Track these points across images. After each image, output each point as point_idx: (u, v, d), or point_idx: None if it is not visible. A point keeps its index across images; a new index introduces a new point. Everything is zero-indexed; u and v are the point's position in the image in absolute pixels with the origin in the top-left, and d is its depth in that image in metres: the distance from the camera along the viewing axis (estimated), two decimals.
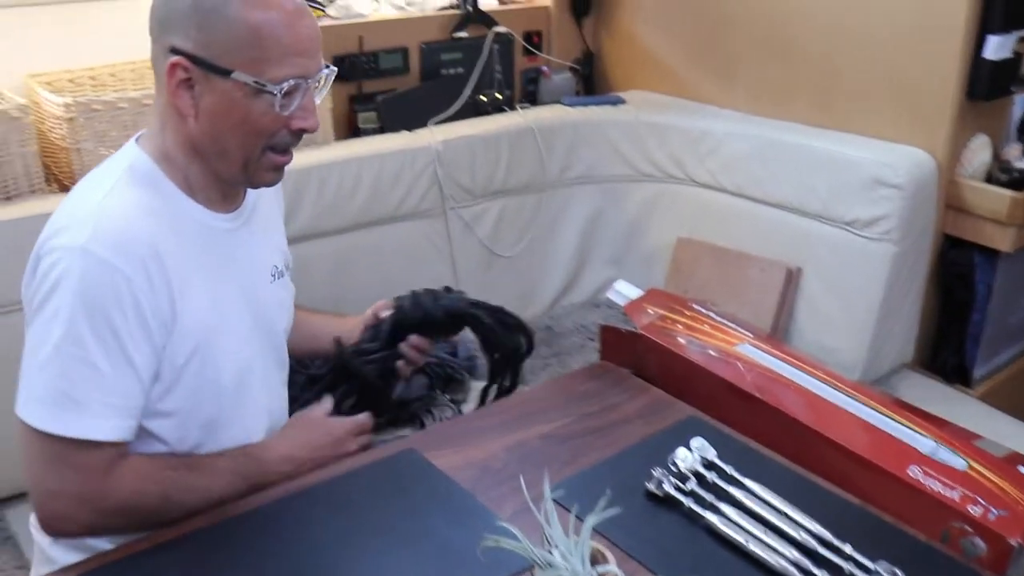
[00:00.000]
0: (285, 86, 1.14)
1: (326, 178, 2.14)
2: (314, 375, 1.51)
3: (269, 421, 1.35)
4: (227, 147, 1.19)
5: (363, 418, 1.39)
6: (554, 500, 1.21)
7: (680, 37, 2.63)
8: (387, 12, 2.56)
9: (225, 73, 1.13)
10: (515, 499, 1.18)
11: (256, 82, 1.13)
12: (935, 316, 2.33)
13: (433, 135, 2.33)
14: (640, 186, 2.54)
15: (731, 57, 2.50)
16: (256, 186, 1.25)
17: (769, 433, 1.75)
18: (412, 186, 2.27)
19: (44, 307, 1.11)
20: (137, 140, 1.24)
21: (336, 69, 1.27)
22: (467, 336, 2.29)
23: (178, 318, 1.17)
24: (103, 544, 1.23)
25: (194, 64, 1.14)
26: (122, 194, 1.17)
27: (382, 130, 2.38)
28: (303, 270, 2.11)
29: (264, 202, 1.37)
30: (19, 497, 1.74)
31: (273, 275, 1.35)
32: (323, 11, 2.44)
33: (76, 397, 1.10)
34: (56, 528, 1.17)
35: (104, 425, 1.12)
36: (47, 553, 1.30)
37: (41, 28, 2.11)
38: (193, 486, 1.19)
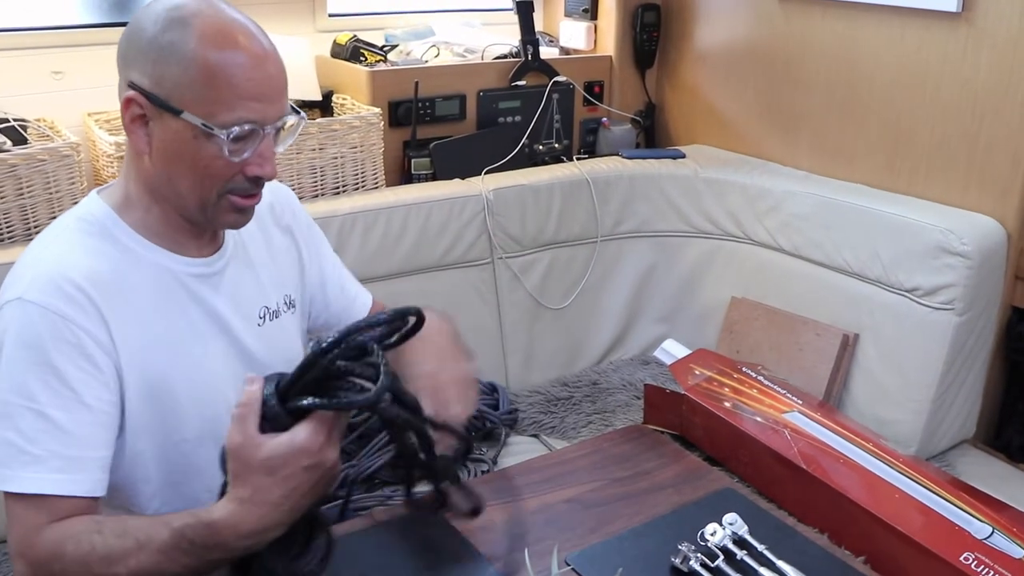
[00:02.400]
0: (235, 131, 1.10)
1: (373, 223, 2.13)
2: (351, 423, 1.46)
3: None
4: (180, 189, 1.15)
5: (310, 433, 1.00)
6: (573, 570, 1.17)
7: (744, 92, 2.59)
8: (446, 59, 2.57)
9: (176, 112, 1.10)
10: (535, 565, 1.13)
11: (204, 125, 1.09)
12: (999, 391, 2.23)
13: (484, 183, 2.32)
14: (695, 242, 2.49)
15: (795, 114, 2.45)
16: (220, 228, 1.22)
17: (813, 507, 1.68)
18: (460, 234, 2.26)
19: None
20: (100, 191, 1.22)
21: (305, 116, 1.23)
22: (503, 387, 2.27)
23: (119, 353, 1.12)
24: None
25: (148, 100, 1.11)
26: (64, 242, 1.14)
27: (435, 176, 2.38)
28: None
29: (260, 239, 1.34)
30: None
31: (263, 316, 1.30)
32: (384, 57, 2.45)
33: (31, 451, 1.06)
34: None
35: (57, 478, 1.06)
36: None
37: (104, 68, 2.14)
38: (116, 556, 1.01)
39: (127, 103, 1.12)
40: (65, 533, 1.04)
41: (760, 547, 1.21)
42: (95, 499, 1.10)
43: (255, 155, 1.14)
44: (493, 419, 2.07)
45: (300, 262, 1.41)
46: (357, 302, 1.50)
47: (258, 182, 1.17)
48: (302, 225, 1.42)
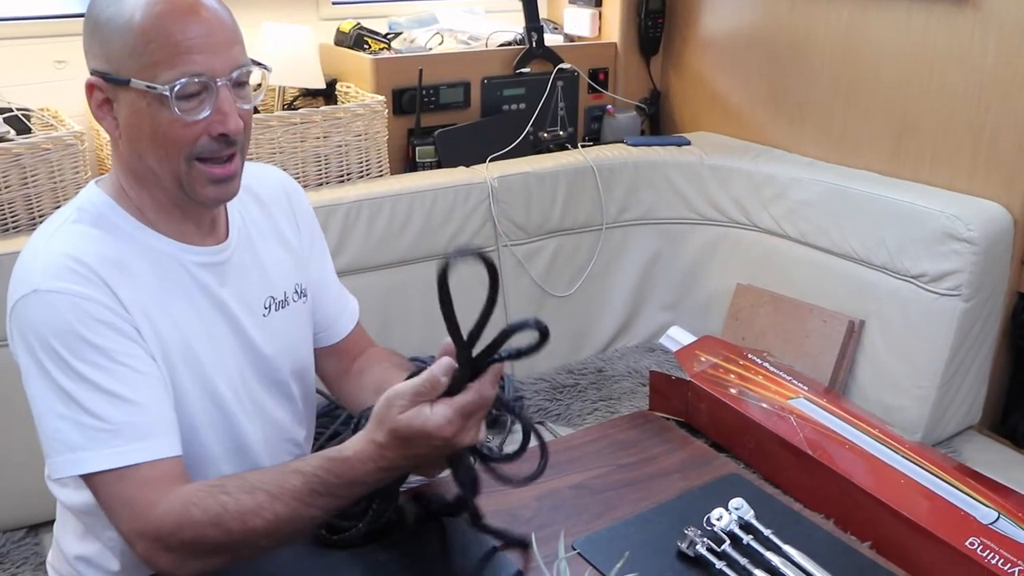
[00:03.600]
0: (179, 85, 1.07)
1: (378, 211, 2.13)
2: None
3: (270, 463, 1.28)
4: (151, 165, 1.13)
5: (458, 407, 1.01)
6: (579, 554, 1.17)
7: (750, 79, 2.58)
8: (450, 47, 2.56)
9: (125, 83, 1.08)
10: (542, 550, 1.13)
11: (148, 86, 1.07)
12: (1006, 377, 2.22)
13: (489, 171, 2.31)
14: (701, 230, 2.49)
15: (801, 101, 2.44)
16: (203, 204, 1.18)
17: (819, 492, 1.68)
18: (465, 222, 2.26)
19: (30, 367, 1.08)
20: (97, 182, 1.21)
21: (271, 68, 1.21)
22: (509, 375, 2.27)
23: (138, 326, 1.12)
24: None
25: (105, 80, 1.10)
26: (66, 232, 1.13)
27: (439, 164, 2.37)
28: None
29: (267, 229, 1.33)
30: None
31: (268, 307, 1.29)
32: (387, 45, 2.44)
33: (105, 428, 1.06)
34: (165, 573, 1.07)
35: (139, 446, 1.07)
36: None
37: None
38: (251, 511, 1.02)
39: (90, 89, 1.12)
40: (186, 499, 1.04)
41: (766, 532, 1.21)
42: (180, 459, 1.10)
43: (214, 112, 1.10)
44: (510, 407, 2.05)
45: (310, 253, 1.40)
46: (344, 315, 1.46)
47: (226, 141, 1.13)
48: (310, 219, 1.41)
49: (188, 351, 1.17)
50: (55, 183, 1.85)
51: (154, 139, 1.10)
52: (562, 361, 2.41)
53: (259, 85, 1.23)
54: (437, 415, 0.98)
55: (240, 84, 1.14)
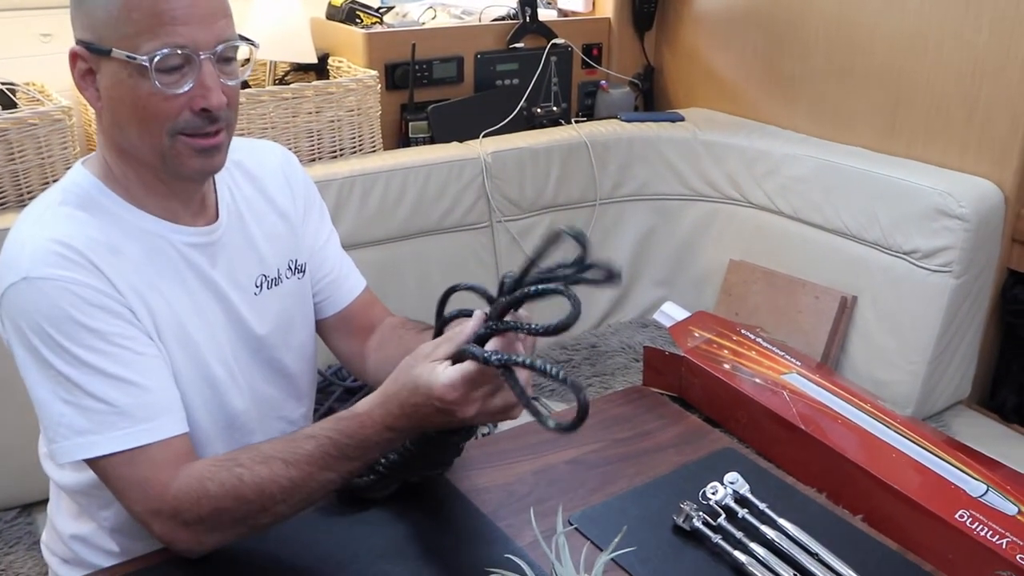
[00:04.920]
0: (159, 56, 1.04)
1: (371, 187, 2.12)
2: (351, 387, 1.45)
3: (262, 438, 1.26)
4: (132, 138, 1.11)
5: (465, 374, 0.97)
6: (576, 529, 1.18)
7: (743, 55, 2.57)
8: (443, 21, 2.55)
9: (107, 52, 1.06)
10: (540, 525, 1.13)
11: (129, 56, 1.04)
12: (995, 353, 2.24)
13: (483, 146, 2.30)
14: (694, 205, 2.49)
15: (795, 77, 2.44)
16: (187, 177, 1.15)
17: (812, 467, 1.70)
18: (459, 197, 2.25)
19: (26, 356, 1.07)
20: (84, 162, 1.19)
21: (258, 43, 1.18)
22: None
23: (132, 307, 1.11)
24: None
25: (87, 50, 1.08)
26: (53, 216, 1.11)
27: (432, 140, 2.37)
28: None
29: (261, 205, 1.30)
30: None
31: (259, 285, 1.28)
32: (380, 19, 2.43)
33: (112, 411, 1.05)
34: (181, 550, 1.07)
35: (148, 427, 1.06)
36: (56, 572, 1.30)
37: None
38: (267, 480, 1.02)
39: (73, 59, 1.09)
40: (199, 475, 1.04)
41: (761, 505, 1.22)
42: (187, 435, 1.10)
43: (197, 86, 1.07)
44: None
45: (305, 220, 1.37)
46: (348, 281, 1.44)
47: (209, 116, 1.09)
48: (305, 186, 1.39)
49: (181, 330, 1.16)
50: (43, 159, 1.83)
51: (135, 112, 1.08)
52: (556, 337, 2.33)
53: (247, 60, 1.21)
54: (444, 376, 0.96)
55: (226, 59, 1.11)
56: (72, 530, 1.27)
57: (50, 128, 1.83)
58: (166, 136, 1.08)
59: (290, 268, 1.32)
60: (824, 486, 1.58)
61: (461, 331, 1.00)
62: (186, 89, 1.07)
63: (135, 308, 1.11)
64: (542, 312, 0.95)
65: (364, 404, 1.03)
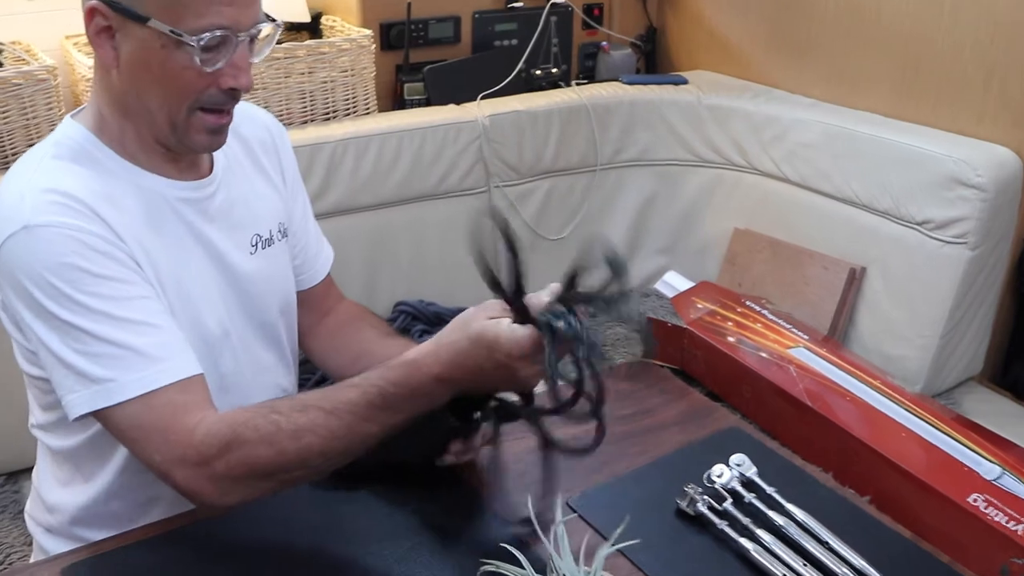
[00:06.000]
0: (206, 38, 1.03)
1: (364, 150, 2.09)
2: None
3: (250, 395, 1.24)
4: (149, 104, 1.09)
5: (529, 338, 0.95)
6: (577, 514, 1.12)
7: (750, 16, 2.51)
8: None
9: (142, 20, 1.03)
10: (537, 508, 1.08)
11: (172, 31, 1.02)
12: (1009, 328, 2.18)
13: (480, 109, 2.26)
14: (697, 172, 2.45)
15: (804, 38, 2.38)
16: (191, 150, 1.15)
17: (818, 444, 1.66)
18: (455, 162, 2.21)
19: (26, 312, 1.04)
20: (74, 115, 1.16)
21: (281, 24, 1.17)
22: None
23: (135, 256, 1.08)
24: (100, 536, 1.15)
25: (112, 9, 1.04)
26: (46, 169, 1.08)
27: (428, 102, 2.33)
28: (336, 246, 2.06)
29: (249, 166, 1.29)
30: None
31: (255, 245, 1.25)
32: None
33: (130, 352, 1.02)
34: (204, 503, 1.03)
35: (169, 365, 1.03)
36: (40, 543, 1.25)
37: None
38: (306, 428, 0.98)
39: (90, 13, 1.05)
40: (230, 421, 1.00)
41: (769, 489, 1.16)
42: (203, 377, 1.07)
43: (229, 65, 1.06)
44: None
45: (294, 195, 1.36)
46: (320, 258, 1.43)
47: (233, 95, 1.10)
48: (290, 158, 1.37)
49: (179, 286, 1.14)
50: (27, 120, 1.79)
51: (162, 82, 1.06)
52: None
53: (267, 37, 1.19)
54: (517, 332, 0.94)
55: (254, 39, 1.11)
56: (58, 498, 1.23)
57: (35, 88, 1.79)
58: (185, 109, 1.08)
59: (279, 231, 1.30)
60: (830, 465, 1.55)
61: (532, 296, 0.97)
62: (218, 67, 1.06)
63: (138, 258, 1.08)
64: None
65: (415, 352, 0.99)
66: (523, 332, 0.93)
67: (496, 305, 0.98)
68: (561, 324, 0.92)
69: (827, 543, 1.09)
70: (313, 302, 1.41)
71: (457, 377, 0.97)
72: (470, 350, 0.95)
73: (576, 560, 0.86)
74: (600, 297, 0.94)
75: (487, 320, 0.96)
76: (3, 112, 1.75)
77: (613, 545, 0.86)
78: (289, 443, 0.98)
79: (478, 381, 0.98)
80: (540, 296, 0.97)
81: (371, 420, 0.98)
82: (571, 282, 0.95)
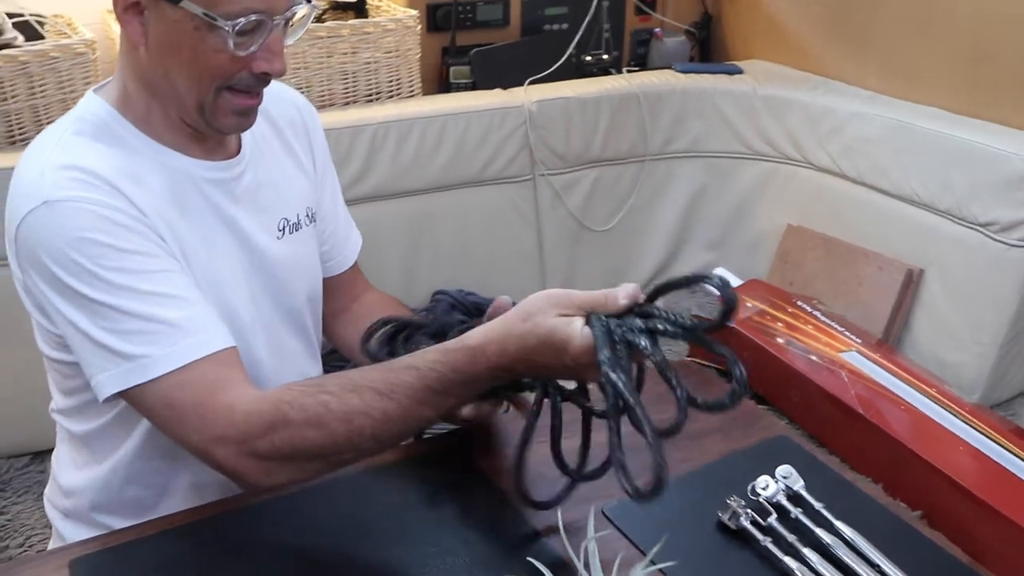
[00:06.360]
0: (240, 23, 1.00)
1: (407, 134, 2.08)
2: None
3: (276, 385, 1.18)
4: (178, 85, 1.06)
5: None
6: (612, 523, 1.07)
7: (809, 3, 2.47)
8: None
9: (174, 0, 1.00)
10: (567, 515, 1.03)
11: (206, 14, 0.99)
12: None
13: (527, 94, 2.24)
14: (751, 165, 2.41)
15: (865, 29, 2.32)
16: (218, 131, 1.12)
17: (868, 454, 1.60)
18: (500, 148, 2.20)
19: (53, 294, 1.01)
20: (97, 90, 1.13)
21: (316, 6, 1.13)
22: None
23: (159, 232, 1.05)
24: (116, 523, 1.14)
25: None
26: (67, 145, 1.05)
27: (474, 86, 2.32)
28: (374, 232, 2.09)
29: (279, 148, 1.25)
30: None
31: (282, 229, 1.22)
32: None
33: (162, 324, 0.98)
34: (247, 483, 0.99)
35: (204, 337, 1.00)
36: (57, 528, 1.23)
37: None
38: (357, 410, 0.94)
39: None
40: (276, 399, 0.96)
41: (817, 505, 1.10)
42: (237, 351, 1.04)
43: (262, 49, 1.03)
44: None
45: (323, 179, 1.33)
46: (349, 243, 1.39)
47: (265, 80, 1.07)
48: (321, 141, 1.34)
49: (207, 268, 1.11)
50: (64, 94, 1.78)
51: (192, 64, 1.03)
52: None
53: (302, 18, 1.16)
54: (584, 336, 0.89)
55: (288, 21, 1.08)
56: (75, 482, 1.21)
57: (72, 62, 1.78)
58: (214, 90, 1.05)
59: (307, 215, 1.27)
60: (881, 476, 1.49)
61: (603, 295, 0.91)
62: (252, 51, 1.03)
63: (162, 233, 1.06)
64: None
65: (475, 337, 0.94)
66: (591, 340, 0.88)
67: (564, 297, 0.93)
68: (642, 343, 0.86)
69: (879, 567, 1.03)
70: (340, 289, 1.38)
71: (520, 370, 0.94)
72: (537, 347, 0.91)
73: None
74: (685, 325, 0.87)
75: (557, 318, 0.91)
76: (40, 85, 1.74)
77: (649, 566, 0.80)
78: (339, 425, 0.94)
79: (540, 374, 0.96)
80: (617, 298, 0.91)
81: (428, 404, 0.94)
82: (655, 295, 0.90)
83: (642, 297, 0.91)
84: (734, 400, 0.88)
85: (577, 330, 0.88)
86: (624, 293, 0.91)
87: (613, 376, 0.85)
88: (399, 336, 1.15)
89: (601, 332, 0.87)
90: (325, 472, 0.98)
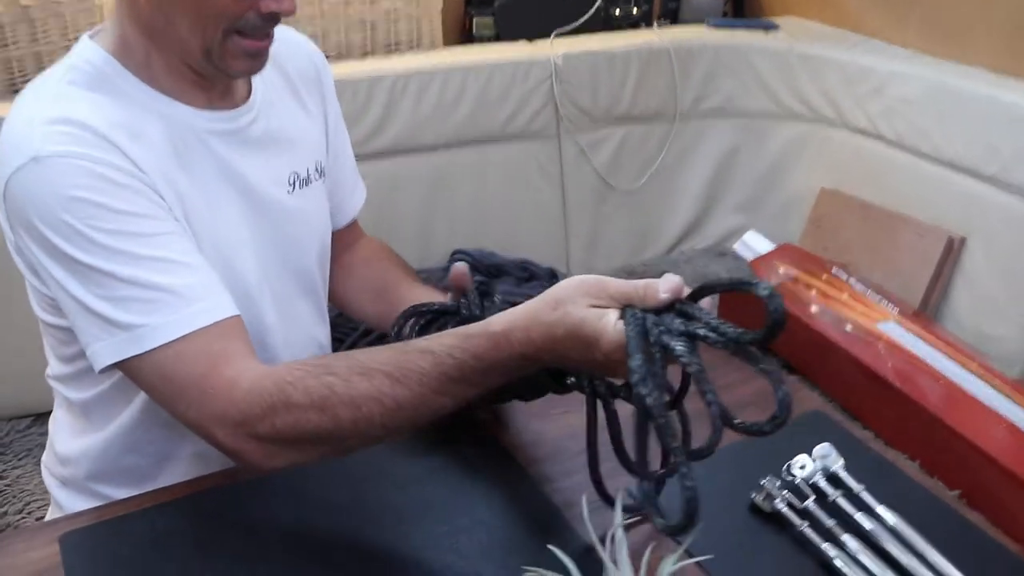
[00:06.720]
0: None
1: (427, 86, 2.04)
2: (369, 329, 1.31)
3: (289, 359, 1.15)
4: (181, 31, 0.99)
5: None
6: (639, 509, 1.00)
7: None
8: None
9: None
10: (592, 492, 0.97)
11: None
12: None
13: (553, 47, 2.21)
14: (784, 125, 2.37)
15: None
16: (227, 76, 1.06)
17: (905, 430, 1.55)
18: (524, 102, 2.17)
19: (45, 257, 0.95)
20: (92, 35, 1.06)
21: None
22: (565, 275, 2.16)
23: (158, 189, 0.99)
24: (114, 492, 1.10)
25: None
26: (60, 95, 0.98)
27: (498, 38, 2.27)
28: (391, 188, 2.07)
29: (289, 98, 1.19)
30: None
31: (292, 184, 1.15)
32: None
33: (161, 292, 0.92)
34: (247, 464, 0.94)
35: (206, 304, 0.94)
36: (55, 496, 1.19)
37: None
38: (366, 395, 0.89)
39: None
40: (279, 379, 0.90)
41: (857, 487, 1.04)
42: (242, 322, 0.98)
43: None
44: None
45: (327, 128, 1.27)
46: (355, 195, 1.34)
47: (274, 19, 1.00)
48: (330, 90, 1.28)
49: (212, 228, 1.05)
50: (69, 40, 1.74)
51: (196, 7, 0.97)
52: (622, 261, 2.35)
53: None
54: (617, 332, 0.82)
55: None
56: (71, 449, 1.16)
57: (76, 7, 1.74)
58: (220, 34, 0.99)
59: (316, 170, 1.21)
60: (918, 453, 1.44)
61: (643, 287, 0.84)
62: None
63: (163, 192, 0.99)
64: None
65: (499, 323, 0.88)
66: (615, 337, 0.82)
67: (598, 286, 0.86)
68: (678, 348, 0.79)
69: (924, 556, 0.97)
70: (339, 239, 1.33)
71: (547, 359, 0.87)
72: (565, 339, 0.85)
73: (636, 572, 0.74)
74: (728, 334, 0.80)
75: (588, 309, 0.84)
76: (44, 31, 1.69)
77: (679, 560, 0.73)
78: (344, 410, 0.88)
79: (567, 366, 0.89)
80: (658, 291, 0.84)
81: (444, 393, 0.88)
82: (696, 296, 0.83)
83: (685, 291, 0.83)
84: (775, 426, 0.79)
85: (610, 325, 0.82)
86: (666, 286, 0.83)
87: (643, 391, 0.78)
88: (431, 328, 1.08)
89: (636, 332, 0.79)
90: (329, 456, 0.93)
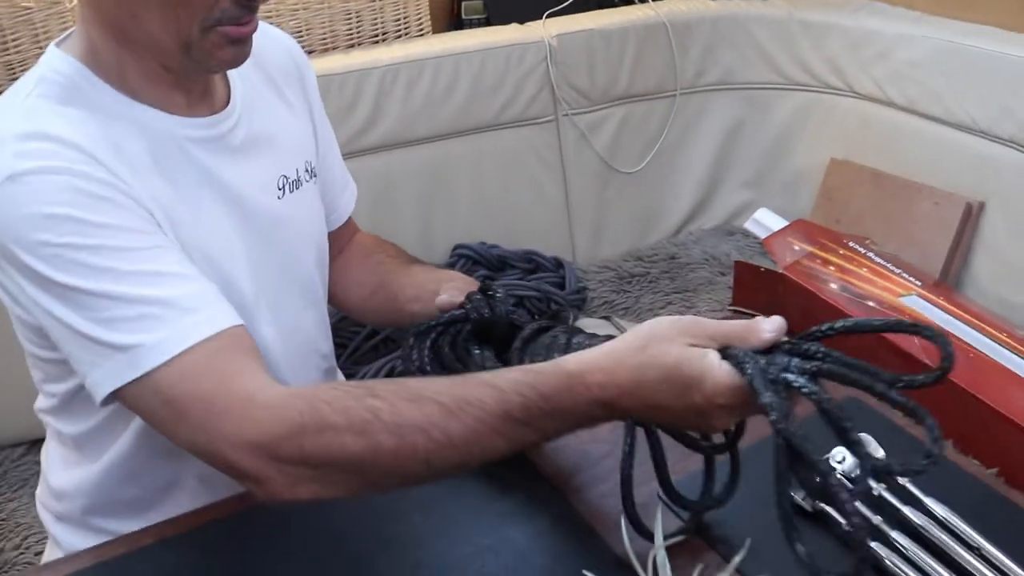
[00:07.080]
0: None
1: (417, 76, 2.01)
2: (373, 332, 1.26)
3: (293, 379, 1.10)
4: (150, 29, 0.93)
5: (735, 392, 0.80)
6: (671, 508, 0.95)
7: None
8: None
9: None
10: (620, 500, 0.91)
11: None
12: None
13: (546, 28, 2.18)
14: (789, 96, 2.34)
15: None
16: (215, 69, 1.01)
17: (936, 408, 1.47)
18: (519, 87, 2.14)
19: (26, 284, 0.89)
20: (59, 43, 1.01)
21: None
22: (573, 267, 2.11)
23: (141, 201, 0.93)
24: (115, 526, 1.05)
25: None
26: (31, 109, 0.93)
27: (488, 22, 2.26)
28: (386, 184, 2.03)
29: (272, 97, 1.14)
30: None
31: (282, 188, 1.10)
32: None
33: (151, 310, 0.86)
34: (270, 494, 0.84)
35: (210, 312, 0.88)
36: (52, 532, 1.14)
37: None
38: (414, 425, 0.81)
39: None
40: (310, 395, 0.83)
41: (903, 479, 0.98)
42: (248, 333, 0.91)
43: None
44: (559, 300, 1.90)
45: (313, 125, 1.22)
46: (346, 193, 1.29)
47: (249, 6, 0.95)
48: (313, 85, 1.24)
49: (201, 242, 1.00)
50: (40, 49, 1.66)
51: (165, 2, 0.92)
52: (629, 245, 2.32)
53: None
54: (724, 372, 0.76)
55: None
56: (65, 483, 1.12)
57: (48, 13, 1.69)
58: (197, 29, 0.93)
59: (307, 170, 1.17)
60: (952, 432, 1.40)
61: (742, 327, 0.79)
62: None
63: (148, 207, 0.94)
64: None
65: (575, 363, 0.81)
66: (737, 378, 0.76)
67: (696, 325, 0.80)
68: (803, 385, 0.74)
69: (980, 550, 0.91)
70: (332, 241, 1.29)
71: (630, 407, 0.80)
72: (657, 382, 0.78)
73: None
74: (887, 379, 0.77)
75: (688, 348, 0.78)
76: (14, 40, 1.64)
77: None
78: (387, 438, 0.79)
79: (654, 416, 0.82)
80: (761, 331, 0.79)
81: (502, 433, 0.80)
82: (816, 336, 0.79)
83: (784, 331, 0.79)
84: (930, 464, 0.75)
85: (715, 365, 0.76)
86: (770, 326, 0.78)
87: (789, 427, 0.72)
88: (443, 340, 1.03)
89: (756, 370, 0.73)
90: (357, 492, 0.84)
